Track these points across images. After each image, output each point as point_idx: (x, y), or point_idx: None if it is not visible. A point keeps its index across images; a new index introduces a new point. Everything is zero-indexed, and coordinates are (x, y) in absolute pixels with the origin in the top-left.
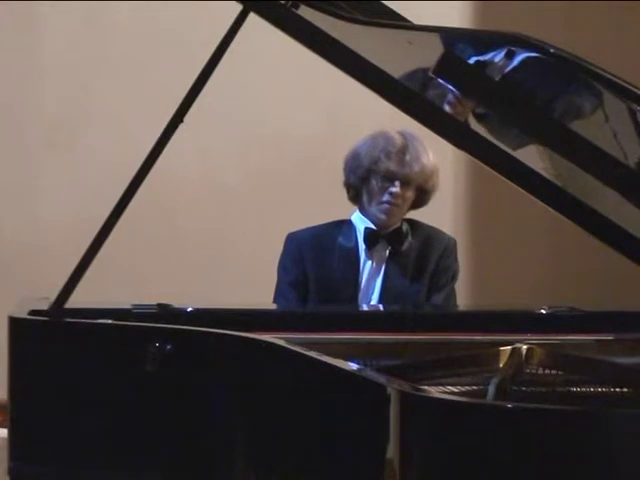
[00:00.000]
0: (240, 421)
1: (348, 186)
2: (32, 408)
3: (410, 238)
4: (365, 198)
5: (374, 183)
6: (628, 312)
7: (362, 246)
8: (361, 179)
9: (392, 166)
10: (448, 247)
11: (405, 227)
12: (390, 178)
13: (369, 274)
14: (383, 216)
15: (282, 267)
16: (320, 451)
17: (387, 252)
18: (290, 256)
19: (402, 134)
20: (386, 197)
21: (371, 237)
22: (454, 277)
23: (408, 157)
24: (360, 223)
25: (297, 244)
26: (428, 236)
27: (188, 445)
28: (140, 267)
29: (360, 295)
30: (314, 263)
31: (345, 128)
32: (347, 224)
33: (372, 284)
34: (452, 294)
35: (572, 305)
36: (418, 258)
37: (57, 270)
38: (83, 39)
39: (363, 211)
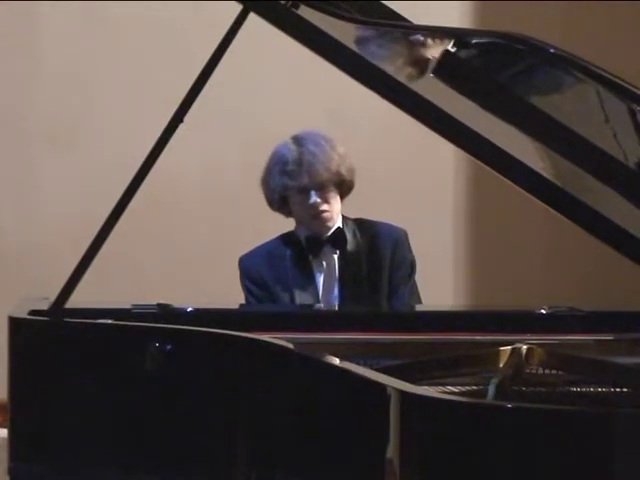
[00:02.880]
0: (240, 421)
1: (273, 208)
2: (32, 408)
3: (358, 238)
4: (294, 216)
5: (293, 203)
6: (628, 312)
7: (309, 255)
8: (281, 204)
9: (297, 182)
10: (400, 239)
11: (350, 227)
12: (303, 192)
13: (324, 280)
14: (318, 229)
15: (247, 291)
16: (320, 451)
17: (336, 256)
18: (251, 280)
19: (296, 140)
20: (310, 211)
21: (314, 244)
22: (413, 269)
23: (306, 165)
24: (302, 232)
25: (253, 265)
26: (376, 232)
27: (188, 445)
28: (140, 266)
29: (322, 303)
30: (273, 280)
31: (344, 127)
32: (293, 235)
33: (331, 290)
34: (415, 287)
35: (572, 305)
36: (370, 255)
37: (57, 270)
38: (83, 38)
39: (298, 224)
